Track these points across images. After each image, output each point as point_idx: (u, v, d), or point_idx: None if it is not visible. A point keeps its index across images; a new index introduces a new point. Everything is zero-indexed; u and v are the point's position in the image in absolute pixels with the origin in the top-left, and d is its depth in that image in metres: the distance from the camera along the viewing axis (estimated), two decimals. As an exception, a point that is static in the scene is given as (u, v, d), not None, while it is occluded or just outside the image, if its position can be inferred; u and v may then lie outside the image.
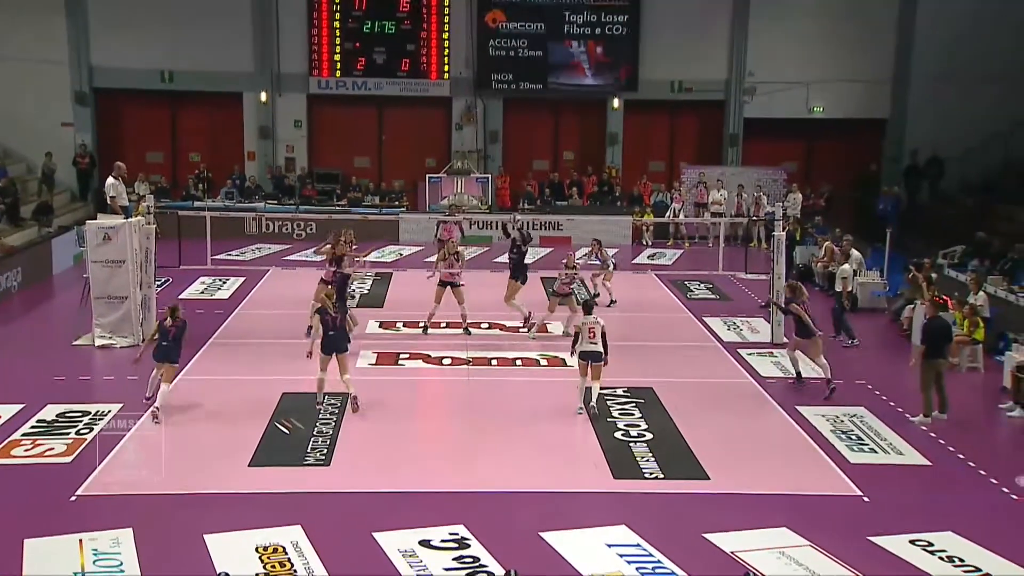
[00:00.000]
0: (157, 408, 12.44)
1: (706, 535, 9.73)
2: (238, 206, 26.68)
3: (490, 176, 27.85)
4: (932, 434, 12.79)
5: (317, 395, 13.19)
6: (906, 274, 18.43)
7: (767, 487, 11.08)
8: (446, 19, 28.35)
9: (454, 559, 9.21)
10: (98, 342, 15.91)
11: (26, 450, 11.66)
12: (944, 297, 16.31)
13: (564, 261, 17.12)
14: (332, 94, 28.85)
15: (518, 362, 15.65)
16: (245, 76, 28.46)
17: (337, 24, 28.31)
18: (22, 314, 18.83)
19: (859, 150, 29.09)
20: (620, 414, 13.20)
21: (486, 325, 17.29)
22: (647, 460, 11.71)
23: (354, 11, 28.25)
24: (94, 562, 9.02)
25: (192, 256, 18.22)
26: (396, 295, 19.89)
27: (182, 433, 12.10)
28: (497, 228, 22.36)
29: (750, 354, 16.25)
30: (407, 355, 15.88)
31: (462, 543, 9.49)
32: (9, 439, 11.93)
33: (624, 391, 13.98)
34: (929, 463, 11.91)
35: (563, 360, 15.40)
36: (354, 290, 18.91)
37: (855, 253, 19.35)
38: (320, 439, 12.12)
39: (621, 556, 9.32)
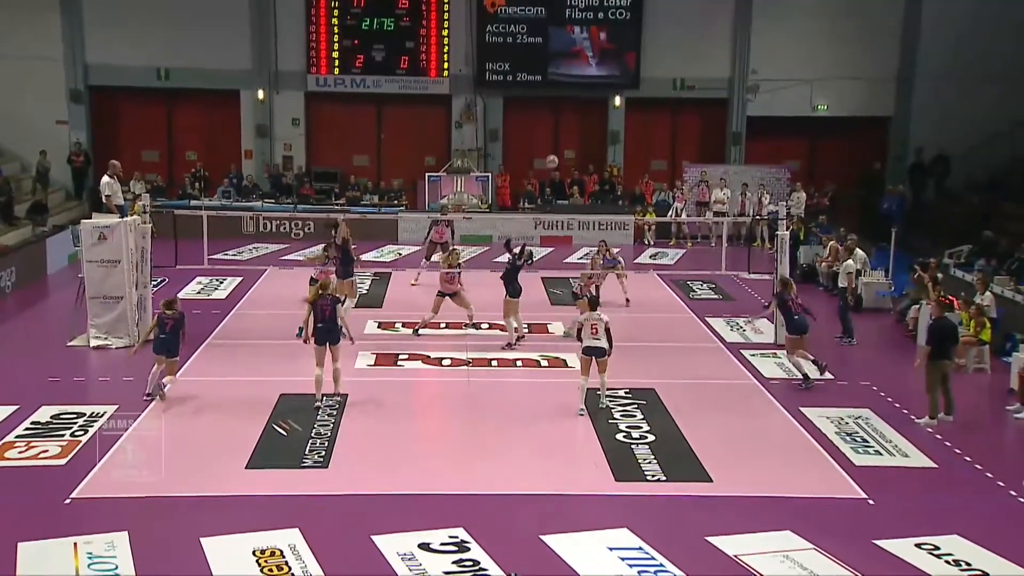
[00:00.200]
0: (163, 387, 12.81)
1: (709, 538, 9.64)
2: (235, 205, 26.50)
3: (490, 175, 27.68)
4: (938, 436, 12.69)
5: (316, 395, 13.09)
6: (911, 274, 18.33)
7: (770, 489, 10.97)
8: (446, 16, 28.16)
9: (454, 562, 9.13)
10: (93, 343, 15.79)
11: (20, 452, 11.56)
12: (950, 297, 16.23)
13: (589, 262, 16.94)
14: (330, 92, 28.67)
15: (518, 363, 15.54)
16: (242, 74, 28.27)
17: (335, 21, 28.12)
18: (16, 314, 18.71)
19: (863, 148, 28.93)
20: (622, 415, 13.09)
21: (486, 326, 17.16)
22: (649, 462, 11.61)
23: (352, 8, 28.05)
24: (89, 565, 8.94)
25: (188, 256, 18.10)
26: (395, 295, 19.80)
27: (178, 435, 11.97)
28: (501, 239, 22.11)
29: (753, 355, 16.14)
30: (406, 356, 15.77)
31: (462, 546, 9.41)
32: (3, 441, 11.83)
33: (626, 392, 13.88)
34: (935, 465, 11.82)
35: (564, 361, 15.35)
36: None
37: (859, 252, 19.23)
38: (318, 440, 12.02)
39: (623, 559, 9.23)
